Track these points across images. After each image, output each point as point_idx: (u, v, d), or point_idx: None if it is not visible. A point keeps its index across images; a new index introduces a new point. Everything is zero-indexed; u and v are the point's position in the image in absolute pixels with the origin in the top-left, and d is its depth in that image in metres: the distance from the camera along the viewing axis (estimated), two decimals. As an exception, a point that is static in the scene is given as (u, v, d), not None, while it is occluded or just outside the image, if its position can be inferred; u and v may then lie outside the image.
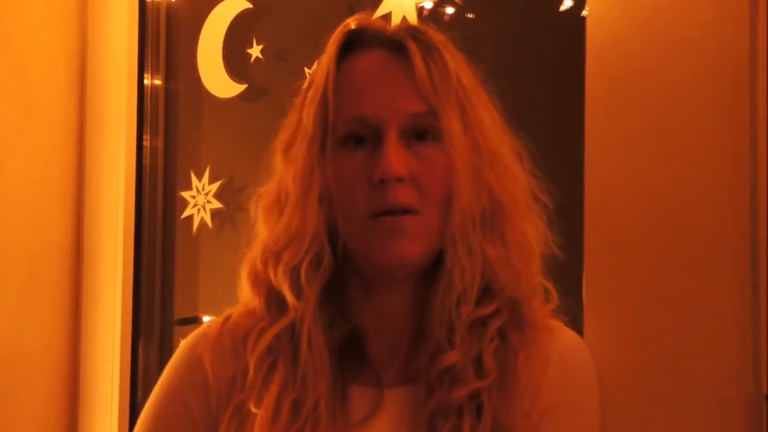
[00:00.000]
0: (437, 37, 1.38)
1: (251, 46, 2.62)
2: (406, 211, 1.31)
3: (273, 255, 1.38)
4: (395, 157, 1.30)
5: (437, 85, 1.33)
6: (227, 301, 1.48)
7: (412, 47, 1.34)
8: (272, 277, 1.38)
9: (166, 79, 2.77)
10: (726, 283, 1.50)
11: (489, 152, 1.35)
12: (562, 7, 2.17)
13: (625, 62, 1.58)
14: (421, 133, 1.33)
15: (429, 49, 1.35)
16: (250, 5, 2.63)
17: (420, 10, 2.33)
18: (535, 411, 1.33)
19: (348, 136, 1.34)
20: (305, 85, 1.41)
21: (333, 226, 1.36)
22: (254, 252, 1.41)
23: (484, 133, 1.35)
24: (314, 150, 1.35)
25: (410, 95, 1.33)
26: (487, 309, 1.34)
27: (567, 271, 1.46)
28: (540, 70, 2.20)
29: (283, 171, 1.39)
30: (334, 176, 1.34)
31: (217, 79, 2.66)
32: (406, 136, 1.32)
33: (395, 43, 1.36)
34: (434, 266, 1.35)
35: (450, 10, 2.30)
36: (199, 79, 2.69)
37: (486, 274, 1.34)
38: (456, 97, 1.34)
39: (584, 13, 1.79)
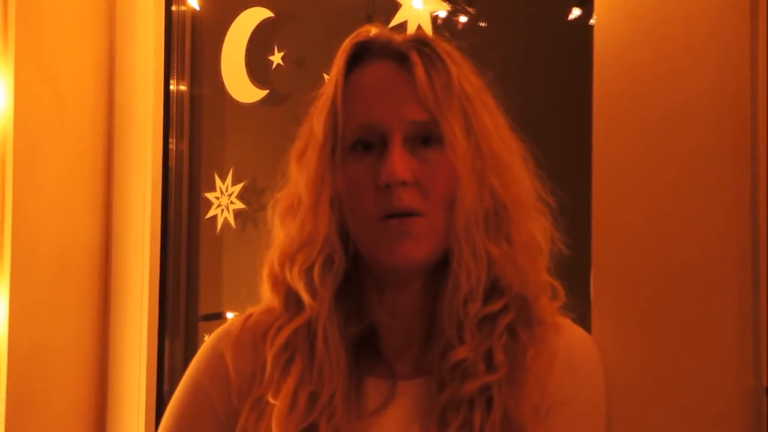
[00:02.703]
0: (442, 46, 1.38)
1: (272, 53, 2.63)
2: (411, 213, 1.32)
3: (288, 258, 1.39)
4: (399, 163, 1.31)
5: (439, 94, 1.33)
6: (250, 298, 1.49)
7: (415, 59, 1.34)
8: (288, 278, 1.39)
9: (191, 85, 2.78)
10: (728, 281, 1.50)
11: (491, 156, 1.35)
12: (571, 16, 2.17)
13: (631, 68, 1.59)
14: (426, 138, 1.34)
15: (432, 60, 1.35)
16: (271, 14, 2.64)
17: (434, 18, 2.33)
18: (544, 405, 1.33)
19: (356, 143, 1.35)
20: (317, 95, 1.42)
21: (345, 229, 1.36)
22: (272, 255, 1.42)
23: (486, 137, 1.36)
24: (325, 157, 1.36)
25: (414, 104, 1.33)
26: (495, 306, 1.34)
27: (575, 270, 1.47)
28: (550, 76, 2.20)
29: (297, 177, 1.40)
30: (344, 181, 1.35)
31: (239, 85, 2.67)
32: (411, 142, 1.33)
33: (400, 54, 1.36)
34: (442, 266, 1.35)
35: (463, 18, 2.31)
36: (222, 84, 2.70)
37: (492, 273, 1.34)
38: (459, 104, 1.34)
39: (592, 21, 1.79)
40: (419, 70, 1.34)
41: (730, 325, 1.50)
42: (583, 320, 1.49)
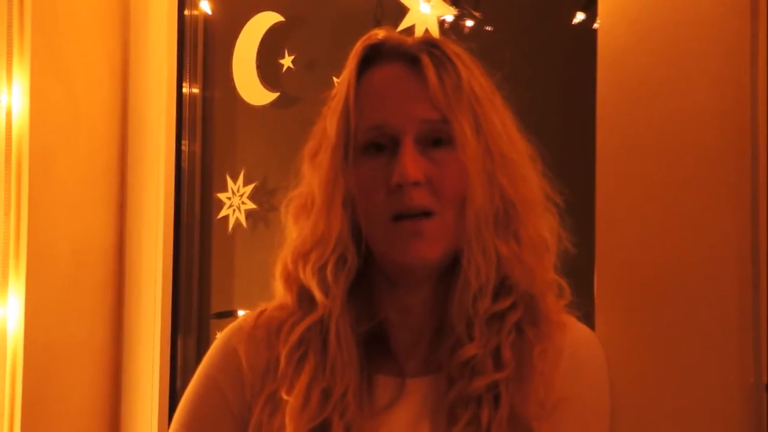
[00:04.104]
0: (452, 48, 1.38)
1: (283, 57, 2.63)
2: (424, 213, 1.32)
3: (301, 256, 1.39)
4: (411, 163, 1.31)
5: (449, 95, 1.33)
6: (261, 296, 1.49)
7: (426, 60, 1.34)
8: (302, 276, 1.39)
9: (204, 88, 2.79)
10: (728, 280, 1.50)
11: (500, 156, 1.35)
12: (575, 20, 2.18)
13: (634, 71, 1.59)
14: (437, 139, 1.33)
15: (442, 61, 1.35)
16: (282, 18, 2.64)
17: (441, 23, 2.33)
18: (550, 401, 1.33)
19: (369, 144, 1.35)
20: (330, 97, 1.42)
21: (357, 228, 1.37)
22: (285, 253, 1.42)
23: (495, 138, 1.35)
24: (338, 157, 1.35)
25: (424, 104, 1.33)
26: (504, 303, 1.34)
27: (579, 269, 1.47)
28: (554, 79, 2.21)
29: (310, 177, 1.40)
30: (356, 182, 1.35)
31: (251, 88, 2.68)
32: (422, 142, 1.33)
33: (411, 56, 1.36)
34: (452, 265, 1.35)
35: (470, 23, 2.31)
36: (234, 87, 2.70)
37: (501, 271, 1.34)
38: (468, 104, 1.34)
39: (595, 26, 1.80)
40: (430, 72, 1.34)
41: (731, 323, 1.50)
42: (587, 318, 1.49)
